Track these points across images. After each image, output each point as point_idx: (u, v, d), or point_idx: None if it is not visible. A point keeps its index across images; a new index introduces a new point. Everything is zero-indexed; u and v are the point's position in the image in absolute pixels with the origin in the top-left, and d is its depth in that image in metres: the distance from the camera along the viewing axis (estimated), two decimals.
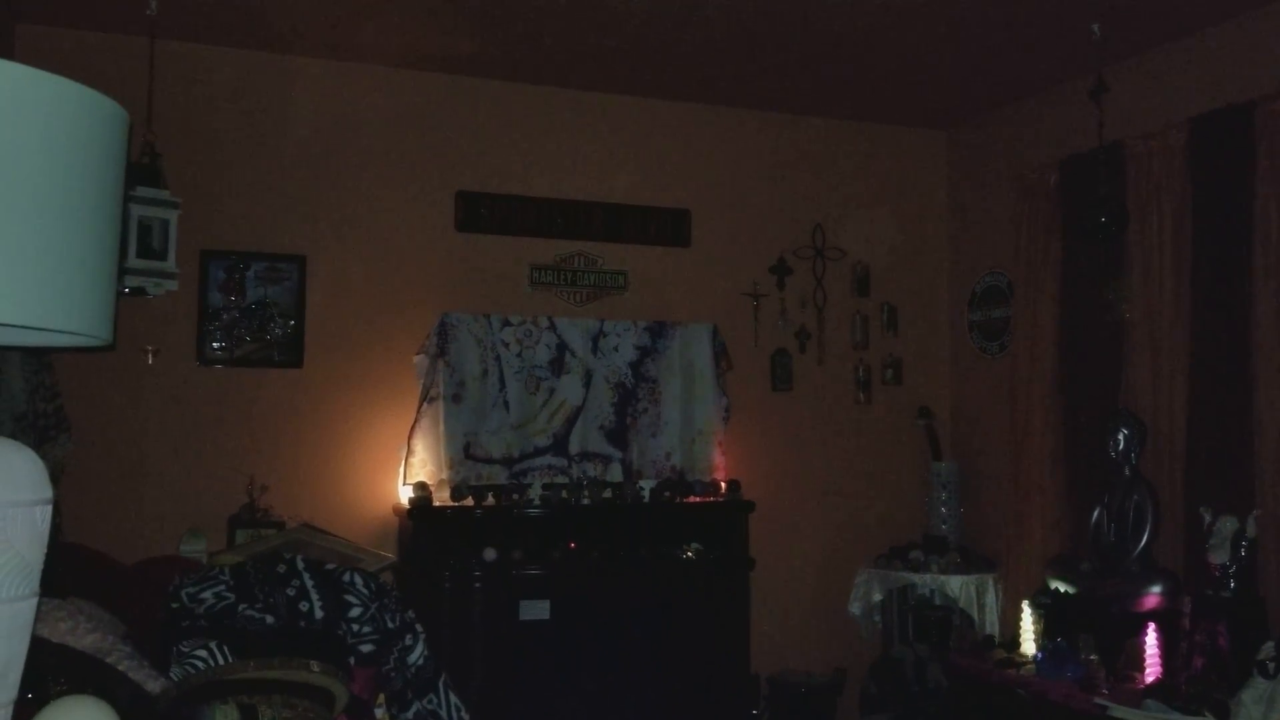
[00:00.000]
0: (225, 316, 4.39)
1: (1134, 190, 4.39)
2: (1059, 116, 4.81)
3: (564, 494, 4.52)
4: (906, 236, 5.56)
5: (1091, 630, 3.57)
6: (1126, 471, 3.91)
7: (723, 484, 4.82)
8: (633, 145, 5.09)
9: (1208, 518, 3.52)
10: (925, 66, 4.71)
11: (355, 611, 3.04)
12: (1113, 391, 4.39)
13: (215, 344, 4.38)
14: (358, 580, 3.09)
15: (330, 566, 3.08)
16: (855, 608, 4.95)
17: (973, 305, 5.41)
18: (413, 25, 4.25)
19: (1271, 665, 2.93)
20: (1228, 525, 3.43)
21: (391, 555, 4.01)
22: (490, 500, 4.40)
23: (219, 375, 4.40)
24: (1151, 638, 3.31)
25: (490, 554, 4.24)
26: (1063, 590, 3.83)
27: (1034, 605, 3.80)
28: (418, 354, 4.57)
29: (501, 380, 4.63)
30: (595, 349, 4.79)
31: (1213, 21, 4.14)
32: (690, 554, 4.55)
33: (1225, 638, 3.23)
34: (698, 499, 4.75)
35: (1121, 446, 3.92)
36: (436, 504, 4.34)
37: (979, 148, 5.47)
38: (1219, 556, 3.42)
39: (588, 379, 4.76)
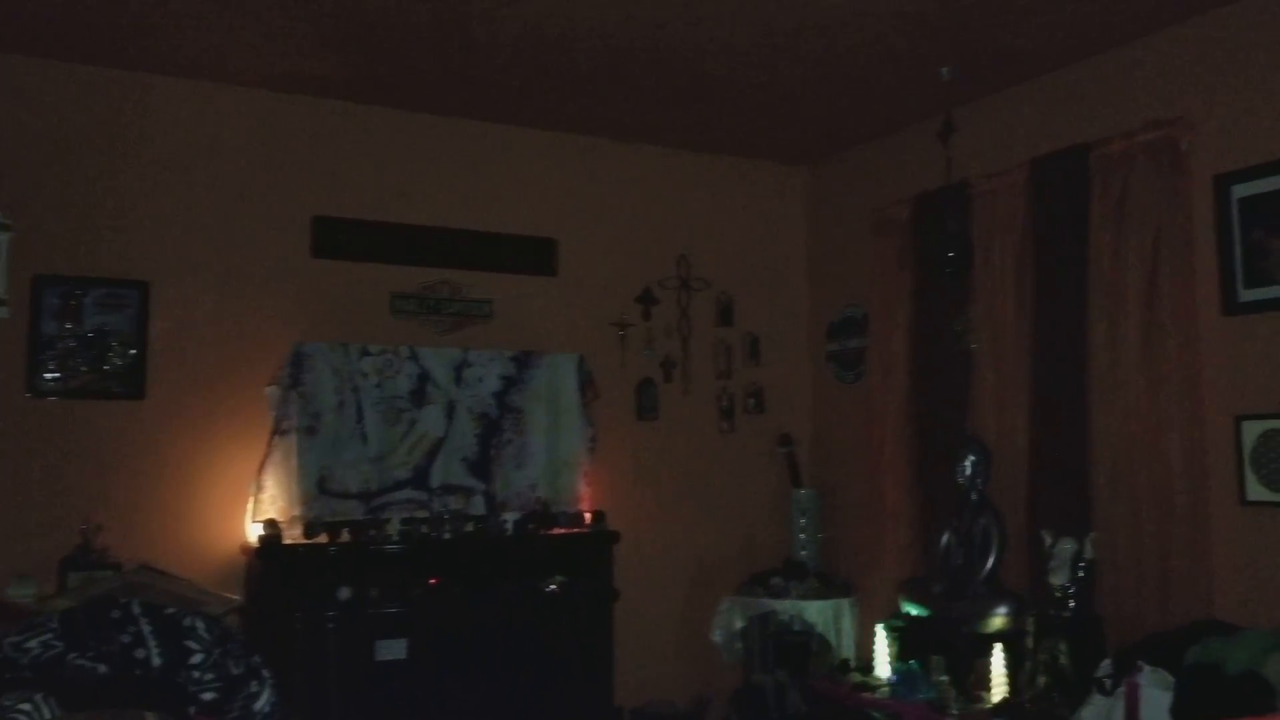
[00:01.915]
0: (60, 345, 4.15)
1: (980, 227, 4.57)
2: (911, 155, 4.99)
3: (424, 528, 4.42)
4: (768, 268, 5.67)
5: (942, 652, 3.66)
6: (974, 496, 4.05)
7: (588, 515, 4.79)
8: (499, 172, 5.06)
9: (1049, 540, 3.66)
10: (788, 104, 4.83)
11: (197, 658, 2.90)
12: (961, 419, 4.55)
13: (48, 374, 4.14)
14: (199, 625, 2.95)
15: (170, 610, 2.94)
16: (717, 635, 4.98)
17: (831, 335, 5.54)
18: (271, 45, 4.13)
19: (1109, 683, 3.05)
20: (1067, 547, 3.58)
21: (237, 597, 3.86)
22: (346, 536, 4.27)
23: (52, 408, 4.16)
24: (998, 658, 3.42)
25: (345, 593, 4.11)
26: (915, 613, 3.93)
27: (888, 628, 3.89)
28: (270, 385, 4.41)
29: (360, 412, 4.50)
30: (459, 379, 4.72)
31: (1051, 68, 4.36)
32: (554, 587, 4.50)
33: (1066, 656, 3.35)
34: (563, 530, 4.72)
35: (969, 472, 4.06)
36: (288, 542, 4.18)
37: (837, 183, 5.63)
38: (1059, 578, 3.57)
39: (451, 410, 4.68)
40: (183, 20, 3.89)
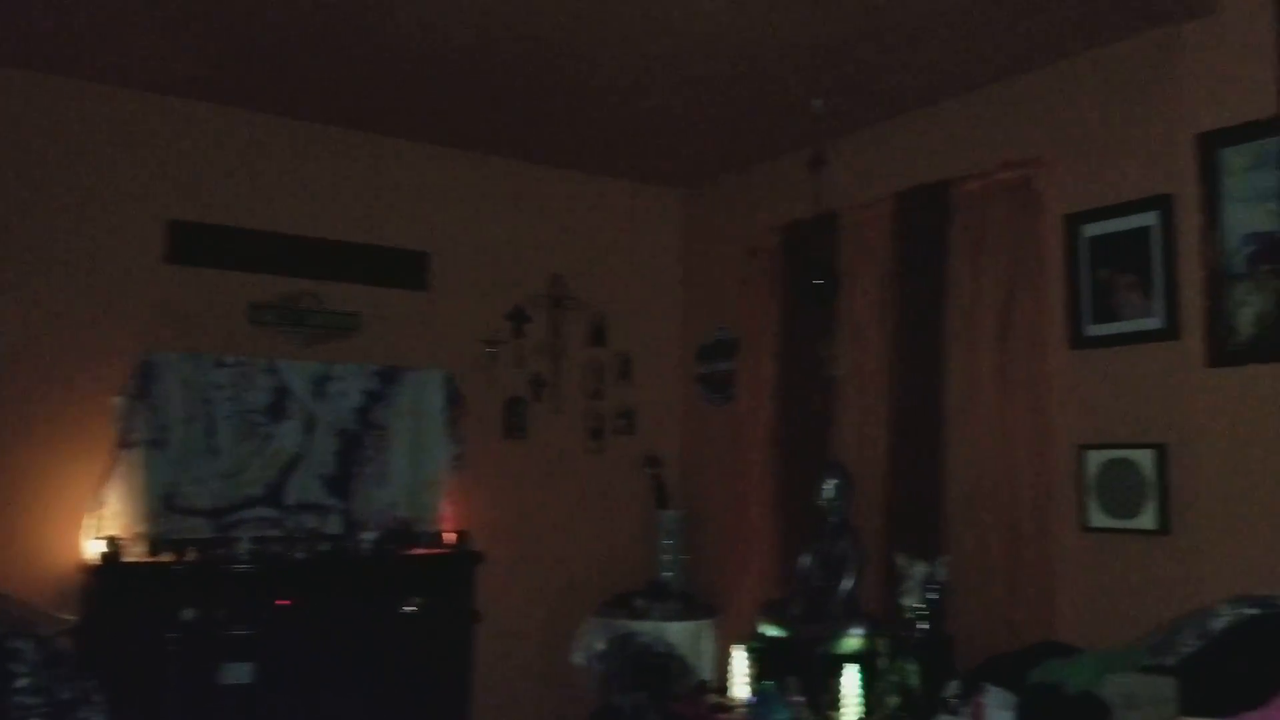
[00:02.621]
0: None
1: (848, 256, 4.68)
2: (784, 184, 5.08)
3: (276, 548, 4.26)
4: (642, 289, 5.69)
5: (799, 672, 3.70)
6: (835, 519, 4.11)
7: (451, 535, 4.70)
8: (369, 182, 4.95)
9: (903, 563, 3.75)
10: (665, 129, 4.86)
11: (22, 682, 2.74)
12: (824, 444, 4.64)
13: None
14: (26, 647, 2.78)
15: None
16: (578, 657, 4.93)
17: (701, 358, 5.59)
18: (129, 42, 3.95)
19: (955, 703, 3.13)
20: (920, 570, 3.67)
21: (72, 617, 3.65)
22: (192, 555, 4.09)
23: None
24: (850, 678, 3.47)
25: (189, 613, 3.92)
26: (773, 634, 3.96)
27: (747, 649, 3.91)
28: (116, 396, 4.20)
29: (212, 425, 4.33)
30: (320, 394, 4.58)
31: (917, 106, 4.49)
32: (413, 608, 4.39)
33: (916, 676, 3.43)
34: (424, 550, 4.62)
35: (830, 495, 4.12)
36: (129, 559, 3.98)
37: (712, 208, 5.70)
38: (911, 599, 3.65)
39: (309, 425, 4.54)
40: (34, 10, 3.69)
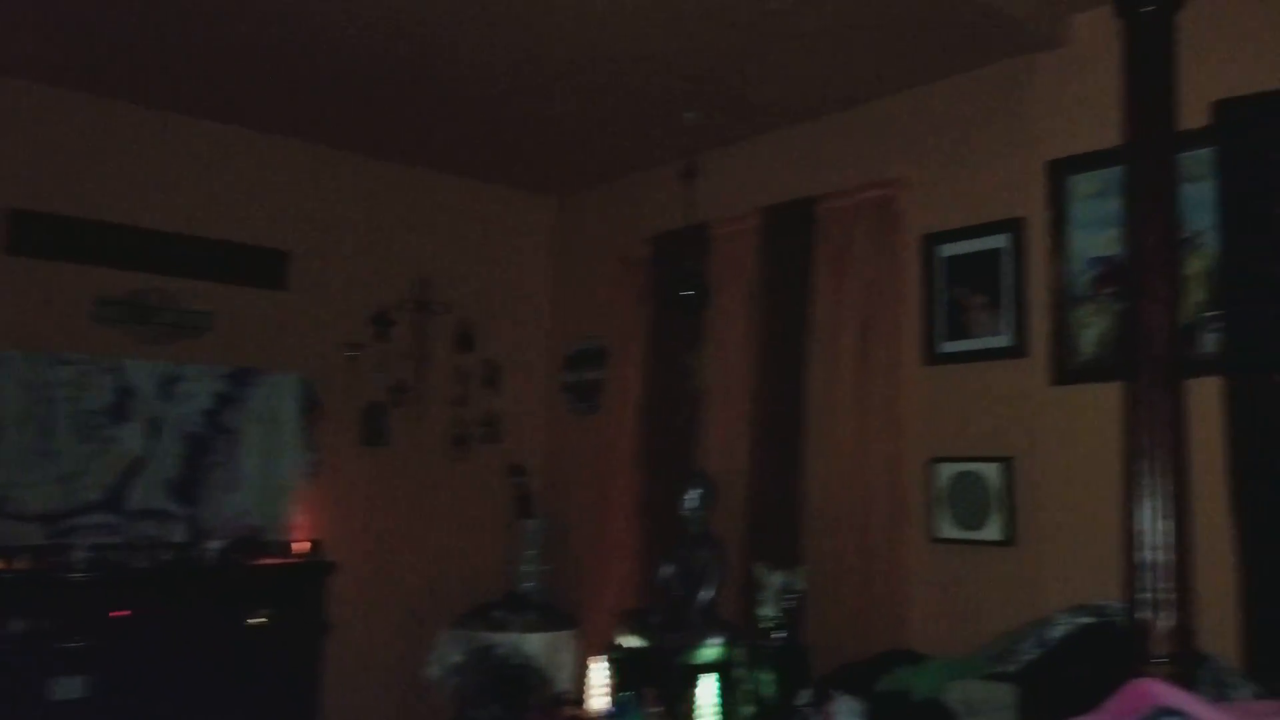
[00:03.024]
0: None
1: (716, 269, 4.71)
2: (656, 194, 5.09)
3: (116, 555, 4.05)
4: (511, 296, 5.63)
5: (657, 682, 3.69)
6: (697, 529, 4.13)
7: (303, 544, 4.55)
8: (226, 176, 4.76)
9: (762, 573, 3.78)
10: (538, 135, 4.83)
11: None
12: (689, 454, 4.66)
13: None
14: None
15: None
16: (433, 670, 4.82)
17: (569, 366, 5.56)
18: None
19: (808, 710, 3.16)
20: (778, 579, 3.71)
21: None
22: (24, 562, 3.85)
23: None
24: (708, 687, 3.47)
25: (19, 624, 3.69)
26: (633, 644, 3.94)
27: (606, 660, 3.88)
28: None
29: (50, 426, 4.09)
30: (167, 395, 4.38)
31: (787, 123, 4.57)
32: (261, 620, 4.22)
33: (772, 685, 3.46)
34: (274, 560, 4.45)
35: (693, 506, 4.13)
36: None
37: (584, 217, 5.68)
38: (769, 609, 3.69)
39: (155, 428, 4.33)
40: None
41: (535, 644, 4.68)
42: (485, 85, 4.23)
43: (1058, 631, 2.98)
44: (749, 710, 3.49)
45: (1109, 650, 2.84)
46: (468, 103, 4.43)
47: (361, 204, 5.16)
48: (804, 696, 3.22)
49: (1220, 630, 2.98)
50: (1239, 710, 1.49)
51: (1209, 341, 3.23)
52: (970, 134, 3.96)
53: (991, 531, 3.70)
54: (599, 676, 3.86)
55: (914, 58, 3.88)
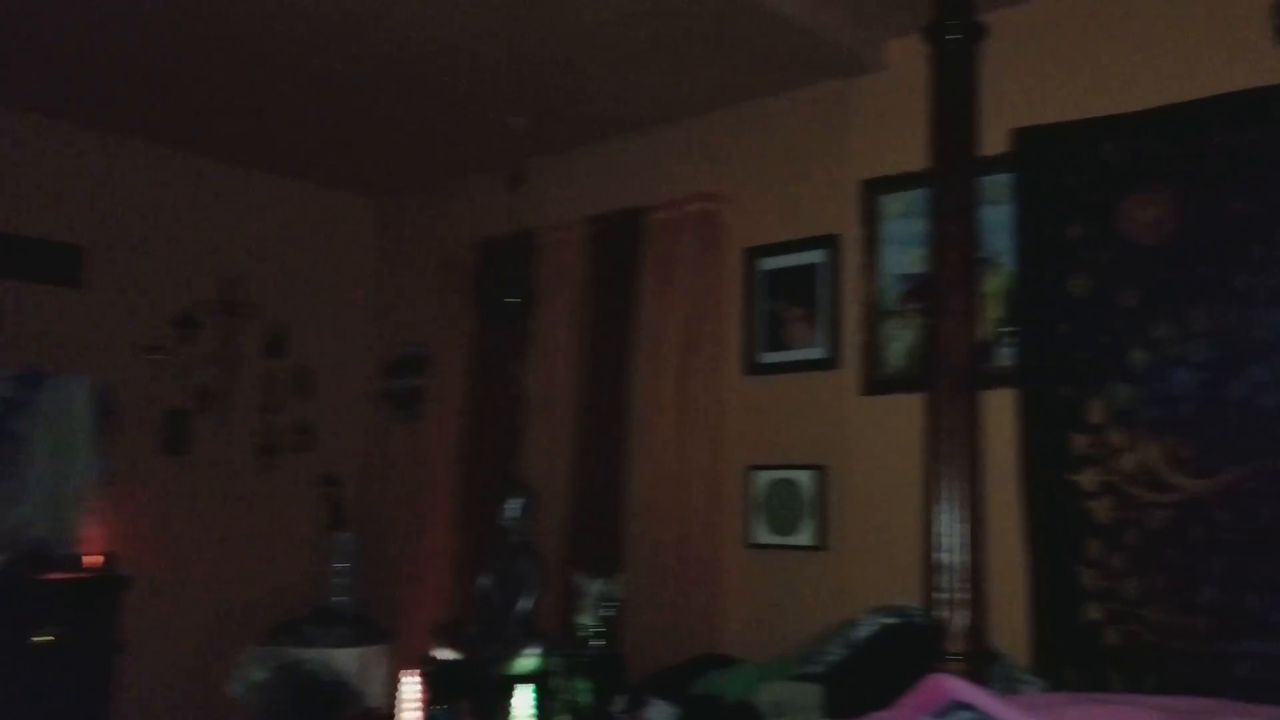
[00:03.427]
0: None
1: (542, 276, 4.69)
2: (482, 200, 5.02)
3: None
4: (328, 300, 5.45)
5: (473, 694, 3.63)
6: (516, 539, 4.07)
7: (95, 558, 4.26)
8: (15, 165, 4.43)
9: (581, 581, 3.77)
10: (362, 134, 4.69)
11: None
12: (511, 462, 4.61)
13: None
14: None
15: None
16: (236, 687, 4.59)
17: (389, 373, 5.41)
18: None
19: (623, 717, 3.16)
20: (597, 588, 3.70)
21: None
22: None
23: None
24: (524, 698, 3.43)
25: None
26: (448, 657, 3.86)
27: (419, 673, 3.78)
28: None
29: None
30: None
31: (614, 134, 4.59)
32: (47, 639, 3.93)
33: (588, 693, 3.44)
34: (62, 575, 4.15)
35: (514, 515, 4.08)
36: None
37: (407, 220, 5.55)
38: (587, 617, 3.68)
39: None
40: None
41: (346, 659, 4.52)
42: (302, 80, 4.08)
43: (863, 632, 3.08)
44: (565, 719, 3.46)
45: (910, 649, 2.95)
46: (284, 98, 4.27)
47: (166, 199, 4.89)
48: (619, 703, 3.22)
49: (1011, 629, 3.15)
50: (1023, 703, 1.57)
51: (1005, 355, 3.41)
52: (791, 152, 4.08)
53: (804, 537, 3.80)
54: (411, 690, 3.76)
55: (739, 76, 3.96)
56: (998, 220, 3.43)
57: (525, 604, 3.95)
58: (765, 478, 3.93)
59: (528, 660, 3.71)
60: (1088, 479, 3.18)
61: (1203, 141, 3.09)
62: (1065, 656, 3.15)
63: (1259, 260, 2.97)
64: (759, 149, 4.18)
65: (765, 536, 3.91)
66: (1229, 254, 3.01)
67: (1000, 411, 3.30)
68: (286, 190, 5.31)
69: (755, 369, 4.07)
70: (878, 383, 3.71)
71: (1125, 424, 3.13)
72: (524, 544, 4.09)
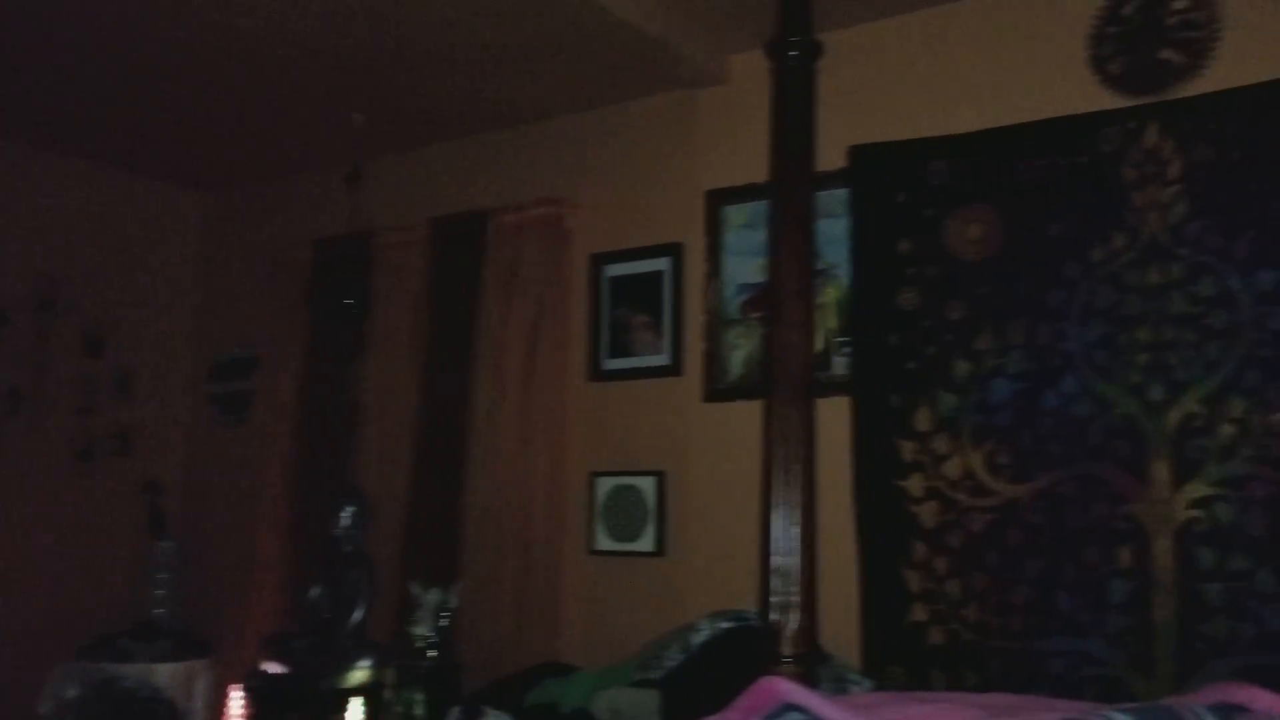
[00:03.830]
0: None
1: (381, 279, 4.57)
2: (319, 197, 4.86)
3: None
4: (151, 298, 5.17)
5: (302, 709, 3.51)
6: (349, 548, 3.96)
7: None
8: None
9: (417, 591, 3.70)
10: (191, 125, 4.48)
11: None
12: (345, 470, 4.48)
13: None
14: None
15: None
16: (45, 707, 4.30)
17: (216, 376, 5.18)
18: None
19: None
20: (433, 597, 3.64)
21: None
22: None
23: None
24: (355, 711, 3.35)
25: None
26: (276, 670, 3.72)
27: (245, 688, 3.63)
28: None
29: None
30: None
31: (458, 135, 4.52)
32: None
33: (422, 705, 3.38)
34: None
35: (347, 524, 3.97)
36: None
37: (238, 216, 5.33)
38: (423, 627, 3.61)
39: None
40: None
41: (166, 674, 4.29)
42: (124, 64, 3.87)
43: (700, 637, 3.11)
44: None
45: (746, 653, 3.00)
46: (104, 82, 4.04)
47: None
48: (452, 714, 3.16)
49: (843, 630, 3.24)
50: (850, 703, 1.61)
51: (840, 365, 3.52)
52: (638, 160, 4.10)
53: (645, 543, 3.82)
54: (236, 706, 3.61)
55: (585, 81, 3.96)
56: (836, 233, 3.54)
57: (357, 615, 3.85)
58: (607, 484, 3.94)
59: (359, 673, 3.62)
60: (914, 484, 3.31)
61: (1022, 164, 3.26)
62: (892, 656, 3.26)
63: (1072, 279, 3.14)
64: (606, 156, 4.19)
65: (606, 543, 3.92)
66: (1045, 272, 3.19)
67: (836, 419, 3.40)
68: (107, 181, 5.01)
69: (599, 375, 4.07)
70: (719, 390, 3.77)
71: (950, 431, 3.27)
72: (357, 553, 3.99)
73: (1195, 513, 2.90)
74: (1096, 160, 3.14)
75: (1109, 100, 3.18)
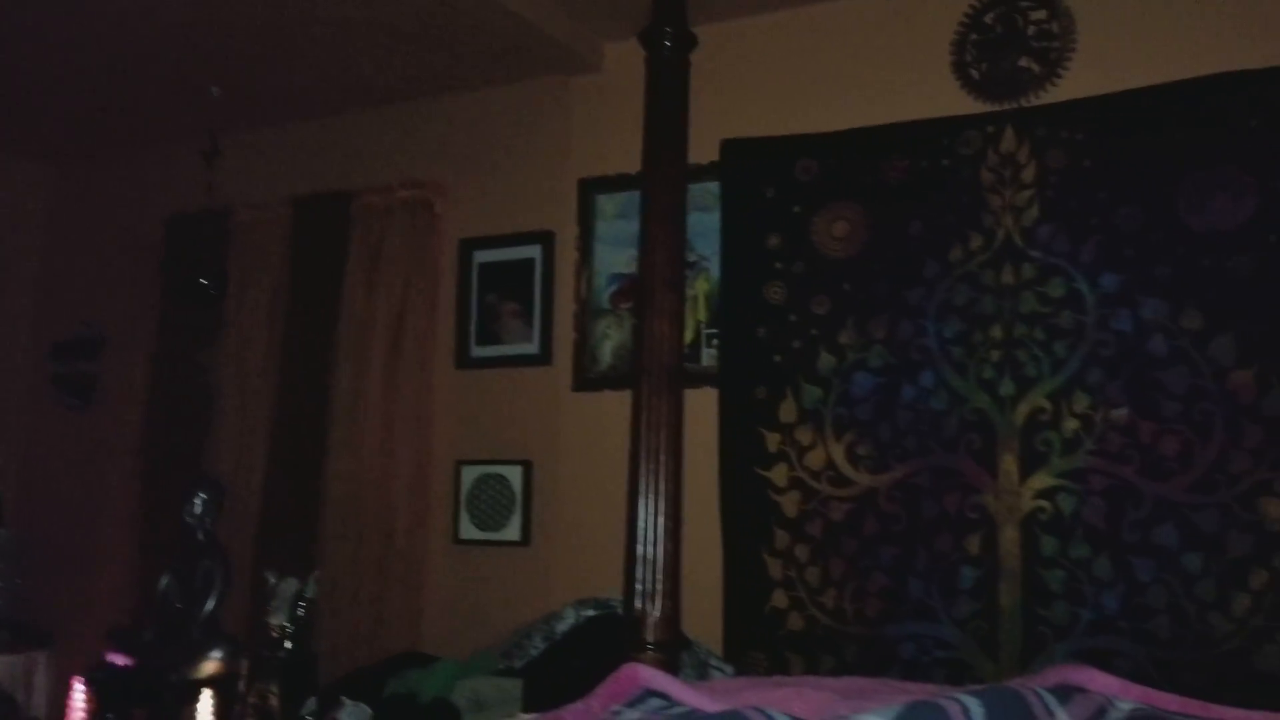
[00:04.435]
0: None
1: (239, 258, 4.41)
2: (174, 173, 4.63)
3: None
4: None
5: (149, 702, 3.37)
6: (201, 536, 3.82)
7: None
8: None
9: (272, 580, 3.59)
10: (34, 94, 4.22)
11: None
12: (198, 455, 4.32)
13: None
14: None
15: None
16: None
17: (59, 356, 4.91)
18: None
19: None
20: (289, 586, 3.53)
21: None
22: None
23: None
24: (206, 704, 3.23)
25: None
26: (121, 663, 3.56)
27: (89, 680, 3.47)
28: None
29: None
30: None
31: (321, 113, 4.38)
32: None
33: (277, 697, 3.28)
34: None
35: (199, 511, 3.82)
36: None
37: (87, 190, 5.05)
38: (279, 617, 3.50)
39: None
40: None
41: (2, 666, 4.07)
42: None
43: (564, 625, 3.11)
44: None
45: (610, 640, 3.01)
46: None
47: None
48: (308, 705, 3.09)
49: (707, 617, 3.29)
50: (710, 689, 1.63)
51: (709, 356, 3.55)
52: (510, 145, 4.05)
53: (511, 532, 3.79)
54: (79, 699, 3.45)
55: (457, 63, 3.89)
56: (708, 226, 3.57)
57: (210, 605, 3.71)
58: (473, 473, 3.89)
59: (210, 664, 3.49)
60: (778, 474, 3.37)
61: (887, 165, 3.35)
62: (752, 642, 3.32)
63: (931, 277, 3.25)
64: (477, 140, 4.13)
65: (472, 532, 3.87)
66: (906, 270, 3.28)
67: (705, 409, 3.44)
68: None
69: (467, 363, 4.02)
70: (588, 380, 3.76)
71: (813, 423, 3.34)
72: (209, 542, 3.84)
73: (1040, 503, 3.03)
74: (957, 163, 3.25)
75: (970, 105, 3.29)
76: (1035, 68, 3.22)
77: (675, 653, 2.21)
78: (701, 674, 2.95)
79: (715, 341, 3.56)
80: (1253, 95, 2.92)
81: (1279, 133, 2.88)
